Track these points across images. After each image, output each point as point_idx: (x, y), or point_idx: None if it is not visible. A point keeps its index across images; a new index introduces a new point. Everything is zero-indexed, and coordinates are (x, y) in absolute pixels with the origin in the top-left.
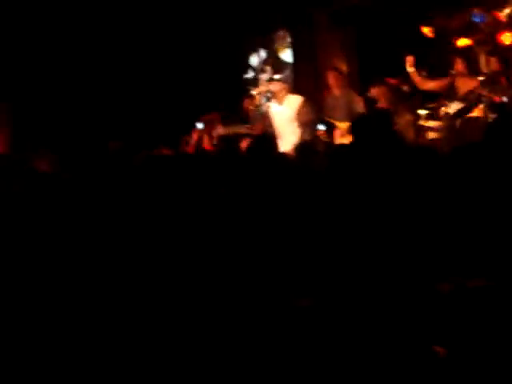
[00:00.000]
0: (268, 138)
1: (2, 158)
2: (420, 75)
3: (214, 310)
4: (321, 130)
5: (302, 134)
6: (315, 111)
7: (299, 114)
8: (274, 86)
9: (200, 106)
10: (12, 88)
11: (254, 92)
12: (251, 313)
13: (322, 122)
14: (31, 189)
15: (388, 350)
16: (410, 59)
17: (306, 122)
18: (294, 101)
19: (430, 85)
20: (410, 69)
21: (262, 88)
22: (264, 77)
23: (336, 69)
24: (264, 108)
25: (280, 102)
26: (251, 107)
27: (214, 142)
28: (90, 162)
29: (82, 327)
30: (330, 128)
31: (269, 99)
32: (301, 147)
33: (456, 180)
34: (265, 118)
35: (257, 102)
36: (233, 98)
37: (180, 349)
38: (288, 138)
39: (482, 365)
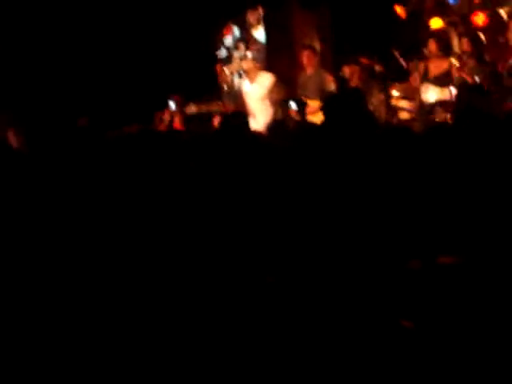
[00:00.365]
0: (240, 115)
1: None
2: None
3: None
4: (292, 109)
5: (274, 112)
6: (288, 90)
7: (271, 92)
8: (247, 64)
9: (173, 83)
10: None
11: (226, 70)
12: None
13: (294, 100)
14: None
15: (357, 324)
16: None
17: (278, 101)
18: (266, 79)
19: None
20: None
21: (235, 66)
22: (237, 55)
23: (310, 47)
24: (236, 86)
25: (252, 80)
26: (223, 85)
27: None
28: (59, 138)
29: (75, 320)
30: (302, 106)
31: (241, 77)
32: (272, 125)
33: (429, 160)
34: (237, 96)
35: (228, 79)
36: (205, 76)
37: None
38: (260, 116)
39: (449, 338)
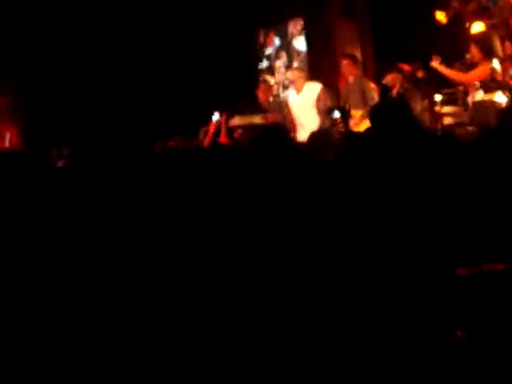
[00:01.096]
0: (278, 128)
1: (16, 155)
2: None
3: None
4: (337, 118)
5: (322, 121)
6: (333, 98)
7: (319, 100)
8: (292, 74)
9: (216, 96)
10: (23, 82)
11: (271, 81)
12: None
13: (338, 109)
14: (50, 186)
15: (409, 335)
16: (436, 58)
17: (326, 109)
18: (313, 88)
19: (470, 77)
20: (438, 65)
21: (279, 77)
22: (279, 65)
23: (349, 56)
24: (282, 97)
25: (298, 90)
26: (268, 97)
27: (231, 133)
28: (104, 155)
29: (80, 322)
30: (346, 115)
31: (286, 88)
32: (316, 136)
33: (476, 166)
34: (283, 107)
35: (274, 91)
36: (248, 88)
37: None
38: (308, 126)
39: (501, 348)
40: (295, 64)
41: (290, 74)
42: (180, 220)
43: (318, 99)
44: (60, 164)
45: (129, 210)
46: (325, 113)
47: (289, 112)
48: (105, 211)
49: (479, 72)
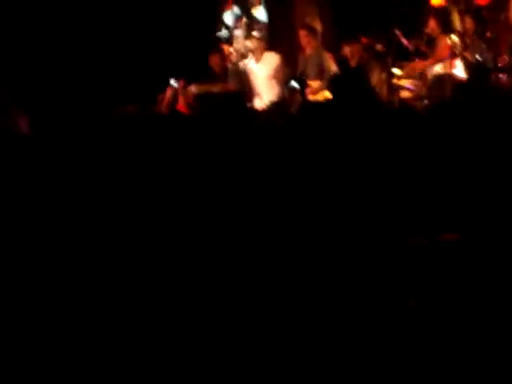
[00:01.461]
0: (237, 96)
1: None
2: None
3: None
4: (294, 88)
5: (280, 91)
6: (292, 69)
7: (277, 72)
8: (252, 43)
9: (172, 62)
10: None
11: (230, 49)
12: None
13: (295, 79)
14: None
15: (362, 301)
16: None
17: (284, 80)
18: (272, 58)
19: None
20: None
21: (238, 45)
22: (239, 34)
23: (307, 27)
24: (240, 65)
25: (257, 59)
26: (224, 65)
27: (189, 101)
28: (63, 120)
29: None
30: (303, 86)
31: (244, 56)
32: (274, 105)
33: (432, 138)
34: (241, 75)
35: (233, 59)
36: (206, 56)
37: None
38: (266, 96)
39: (450, 315)
40: (254, 33)
41: (249, 43)
42: (138, 189)
43: (277, 70)
44: (25, 131)
45: (88, 181)
46: (283, 83)
47: (247, 80)
48: (62, 184)
49: (439, 53)
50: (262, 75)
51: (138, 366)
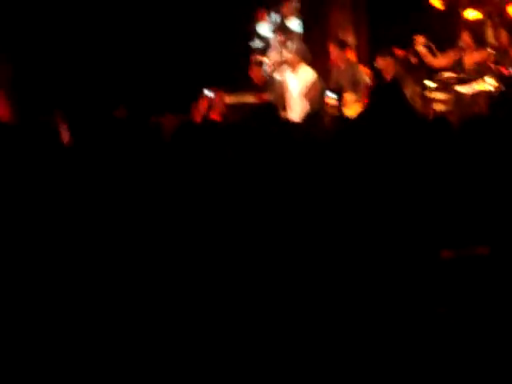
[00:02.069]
0: (271, 107)
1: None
2: (430, 52)
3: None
4: (330, 99)
5: (312, 106)
6: (325, 82)
7: (310, 89)
8: (289, 55)
9: (207, 74)
10: (13, 48)
11: (266, 60)
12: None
13: (332, 91)
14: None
15: (392, 314)
16: (419, 39)
17: (317, 95)
18: (307, 74)
19: (441, 62)
20: (420, 48)
21: (275, 56)
22: (274, 45)
23: (336, 41)
24: (277, 76)
25: (294, 70)
26: (260, 76)
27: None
28: (101, 131)
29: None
30: (339, 98)
31: (279, 67)
32: (309, 117)
33: (465, 151)
34: (278, 86)
35: (269, 70)
36: (241, 66)
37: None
38: (298, 108)
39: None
40: (289, 44)
41: (286, 54)
42: (173, 197)
43: (310, 87)
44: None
45: (125, 191)
46: (314, 101)
47: (283, 92)
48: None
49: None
50: (297, 88)
51: (137, 365)
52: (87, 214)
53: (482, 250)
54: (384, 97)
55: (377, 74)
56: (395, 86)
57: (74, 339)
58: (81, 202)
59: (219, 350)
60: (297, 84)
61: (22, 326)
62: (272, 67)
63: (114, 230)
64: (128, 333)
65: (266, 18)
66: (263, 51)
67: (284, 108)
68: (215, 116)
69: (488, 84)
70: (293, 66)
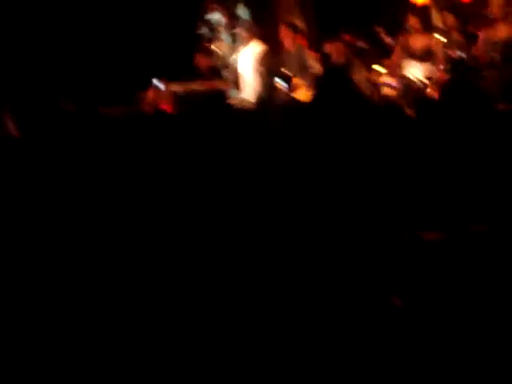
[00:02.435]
0: (221, 94)
1: None
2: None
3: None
4: (280, 85)
5: (261, 83)
6: (274, 64)
7: (260, 61)
8: (241, 30)
9: (153, 63)
10: None
11: (216, 47)
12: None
13: (281, 77)
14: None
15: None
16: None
17: (265, 72)
18: (257, 47)
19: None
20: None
21: (224, 44)
22: (222, 33)
23: (289, 24)
24: (230, 59)
25: (245, 44)
26: (209, 63)
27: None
28: (49, 122)
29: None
30: (289, 82)
31: (228, 55)
32: (260, 102)
33: (418, 136)
34: (231, 70)
35: (218, 57)
36: (188, 54)
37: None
38: (249, 88)
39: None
40: (237, 31)
41: (239, 30)
42: (125, 187)
43: (260, 59)
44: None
45: (74, 180)
46: (264, 75)
47: (237, 73)
48: (53, 185)
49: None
50: (249, 64)
51: (137, 365)
52: (34, 206)
53: (434, 235)
54: (332, 82)
55: (325, 58)
56: (343, 70)
57: (72, 337)
58: (28, 195)
59: (217, 348)
60: (249, 60)
61: (18, 326)
62: (220, 55)
63: (60, 222)
64: (127, 332)
65: (216, 6)
66: (212, 40)
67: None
68: (165, 106)
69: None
70: (245, 39)
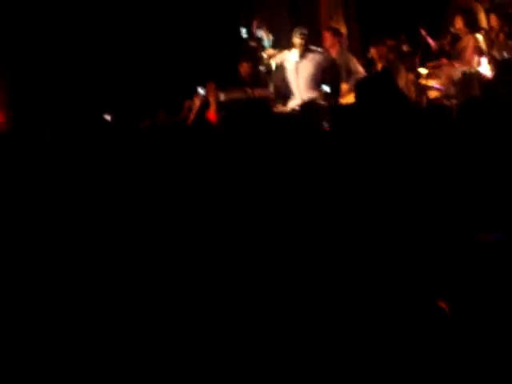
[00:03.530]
0: (260, 102)
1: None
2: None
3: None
4: (325, 91)
5: (313, 91)
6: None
7: (325, 69)
8: (297, 39)
9: (199, 72)
10: (7, 61)
11: (264, 54)
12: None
13: (326, 82)
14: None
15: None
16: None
17: (336, 79)
18: (319, 55)
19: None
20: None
21: (271, 51)
22: (265, 42)
23: (332, 29)
24: (278, 61)
25: (301, 55)
26: (252, 71)
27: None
28: (88, 133)
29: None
30: (337, 89)
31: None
32: (305, 107)
33: (463, 137)
34: (278, 77)
35: (265, 62)
36: (232, 65)
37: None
38: (302, 95)
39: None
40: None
41: (295, 40)
42: (165, 197)
43: (326, 69)
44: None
45: (115, 191)
46: (335, 81)
47: (283, 77)
48: (91, 191)
49: (467, 56)
50: (305, 72)
51: (137, 365)
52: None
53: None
54: (376, 86)
55: (369, 63)
56: (387, 74)
57: (71, 339)
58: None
59: (217, 348)
60: (306, 68)
61: (21, 326)
62: (269, 60)
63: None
64: (126, 332)
65: (261, 20)
66: (257, 48)
67: (285, 99)
68: (211, 115)
69: (482, 67)
70: (300, 49)
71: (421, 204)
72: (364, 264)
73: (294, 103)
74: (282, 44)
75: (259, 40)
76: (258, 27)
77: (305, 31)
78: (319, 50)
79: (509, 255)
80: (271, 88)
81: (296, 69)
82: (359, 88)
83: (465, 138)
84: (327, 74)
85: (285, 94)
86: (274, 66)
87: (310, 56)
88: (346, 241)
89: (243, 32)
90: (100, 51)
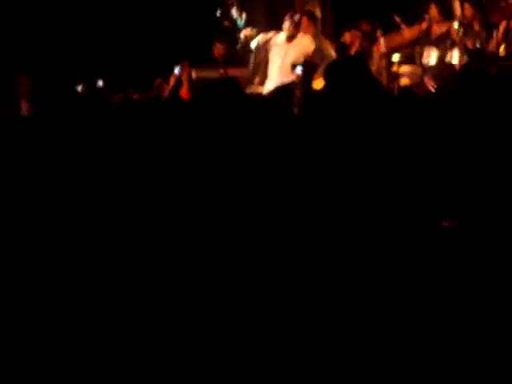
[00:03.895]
0: (232, 82)
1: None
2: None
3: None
4: (298, 74)
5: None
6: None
7: (309, 53)
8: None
9: (173, 52)
10: None
11: (242, 35)
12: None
13: (303, 65)
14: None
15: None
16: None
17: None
18: (305, 40)
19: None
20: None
21: (249, 31)
22: (240, 23)
23: (307, 13)
24: (256, 50)
25: (289, 40)
26: (226, 51)
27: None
28: (63, 104)
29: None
30: (310, 73)
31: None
32: (279, 89)
33: (435, 125)
34: (258, 58)
35: (242, 42)
36: (207, 44)
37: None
38: (277, 80)
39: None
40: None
41: (285, 25)
42: (138, 175)
43: (309, 53)
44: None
45: (88, 165)
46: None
47: (266, 62)
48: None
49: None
50: (290, 58)
51: (137, 365)
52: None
53: (449, 222)
54: (348, 70)
55: (341, 47)
56: (360, 58)
57: (71, 338)
58: (33, 176)
59: (218, 348)
60: (292, 52)
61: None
62: (246, 40)
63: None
64: (126, 331)
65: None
66: (231, 29)
67: (263, 79)
68: (185, 93)
69: (454, 57)
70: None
71: (384, 190)
72: (331, 250)
73: (272, 85)
74: (255, 25)
75: (234, 20)
76: (232, 7)
77: (297, 17)
78: (307, 36)
79: (465, 241)
80: (250, 68)
81: (282, 51)
82: (330, 71)
83: (433, 126)
84: (311, 59)
85: (264, 74)
86: (253, 46)
87: (297, 40)
88: (315, 229)
89: (218, 12)
90: (76, 24)
